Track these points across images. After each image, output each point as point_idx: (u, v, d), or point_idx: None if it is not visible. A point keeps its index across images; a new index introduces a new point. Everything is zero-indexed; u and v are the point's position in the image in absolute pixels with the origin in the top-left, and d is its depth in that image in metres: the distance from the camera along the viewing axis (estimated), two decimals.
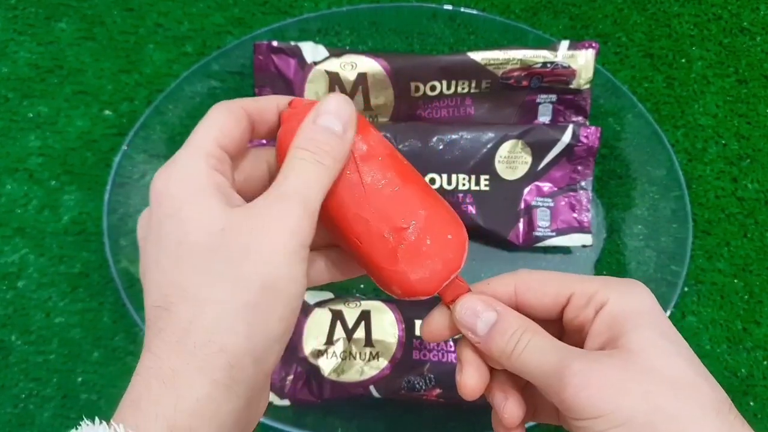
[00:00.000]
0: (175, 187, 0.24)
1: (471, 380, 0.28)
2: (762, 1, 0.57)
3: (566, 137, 0.46)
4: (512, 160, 0.46)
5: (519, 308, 0.29)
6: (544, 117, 0.48)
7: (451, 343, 0.41)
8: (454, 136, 0.46)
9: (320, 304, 0.42)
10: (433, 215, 0.28)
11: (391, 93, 0.46)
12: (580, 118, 0.48)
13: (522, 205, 0.47)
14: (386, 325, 0.41)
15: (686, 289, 0.47)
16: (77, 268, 0.47)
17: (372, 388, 0.41)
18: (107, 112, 0.51)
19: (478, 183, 0.46)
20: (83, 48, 0.52)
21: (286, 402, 0.41)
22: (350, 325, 0.41)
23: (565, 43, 0.45)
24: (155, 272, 0.24)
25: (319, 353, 0.40)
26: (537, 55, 0.45)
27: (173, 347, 0.22)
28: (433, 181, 0.46)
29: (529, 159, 0.47)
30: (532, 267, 0.33)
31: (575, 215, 0.47)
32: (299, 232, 0.24)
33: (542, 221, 0.47)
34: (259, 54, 0.46)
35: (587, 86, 0.46)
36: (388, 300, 0.42)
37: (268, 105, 0.28)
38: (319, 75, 0.45)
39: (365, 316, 0.41)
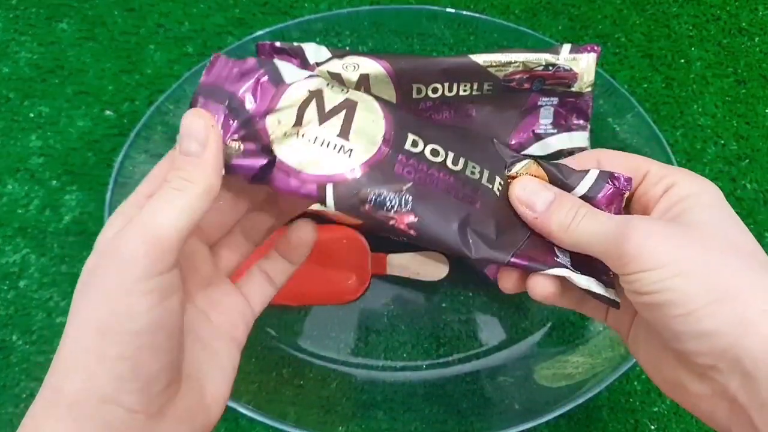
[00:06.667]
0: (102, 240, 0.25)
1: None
2: (760, 2, 0.57)
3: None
4: None
5: None
6: (545, 120, 0.48)
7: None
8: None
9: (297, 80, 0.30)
10: None
11: (393, 95, 0.45)
12: (581, 121, 0.48)
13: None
14: (371, 123, 0.30)
15: None
16: (78, 268, 0.46)
17: (329, 188, 0.29)
18: (108, 112, 0.51)
19: None
20: (84, 48, 0.52)
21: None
22: (327, 109, 0.30)
23: (567, 47, 0.46)
24: None
25: (280, 137, 0.29)
26: (539, 58, 0.45)
27: (42, 394, 0.24)
28: None
29: None
30: None
31: None
32: (136, 265, 0.23)
33: None
34: (261, 54, 0.46)
35: (588, 89, 0.46)
36: (383, 102, 0.31)
37: None
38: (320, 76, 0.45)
39: (348, 107, 0.30)
